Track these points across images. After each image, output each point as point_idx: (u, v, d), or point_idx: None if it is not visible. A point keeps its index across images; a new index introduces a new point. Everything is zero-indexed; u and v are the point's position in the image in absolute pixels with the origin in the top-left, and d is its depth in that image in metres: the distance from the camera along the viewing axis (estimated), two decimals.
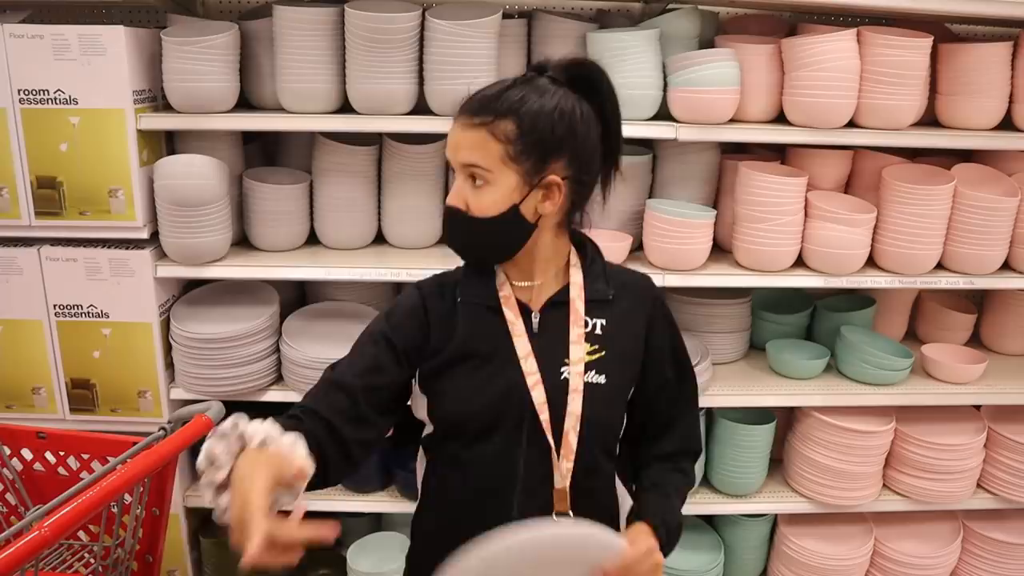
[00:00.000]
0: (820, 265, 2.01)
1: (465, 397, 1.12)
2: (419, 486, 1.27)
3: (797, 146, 2.13)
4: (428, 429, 1.22)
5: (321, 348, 1.98)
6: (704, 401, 2.06)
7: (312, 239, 2.15)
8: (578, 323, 1.12)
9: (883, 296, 2.38)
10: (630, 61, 1.89)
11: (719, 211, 2.08)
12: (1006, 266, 2.09)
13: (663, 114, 1.96)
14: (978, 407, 2.27)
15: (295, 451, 0.93)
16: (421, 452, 1.26)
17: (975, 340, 2.44)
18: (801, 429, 2.18)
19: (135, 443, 1.52)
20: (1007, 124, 2.05)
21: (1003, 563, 2.24)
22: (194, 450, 2.21)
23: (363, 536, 2.23)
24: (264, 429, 0.93)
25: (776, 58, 1.95)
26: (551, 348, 1.11)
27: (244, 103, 2.01)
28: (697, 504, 2.18)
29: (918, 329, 2.47)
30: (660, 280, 1.98)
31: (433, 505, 1.24)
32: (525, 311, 1.14)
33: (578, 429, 1.09)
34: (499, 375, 1.11)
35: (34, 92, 1.79)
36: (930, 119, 2.10)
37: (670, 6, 2.07)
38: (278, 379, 2.07)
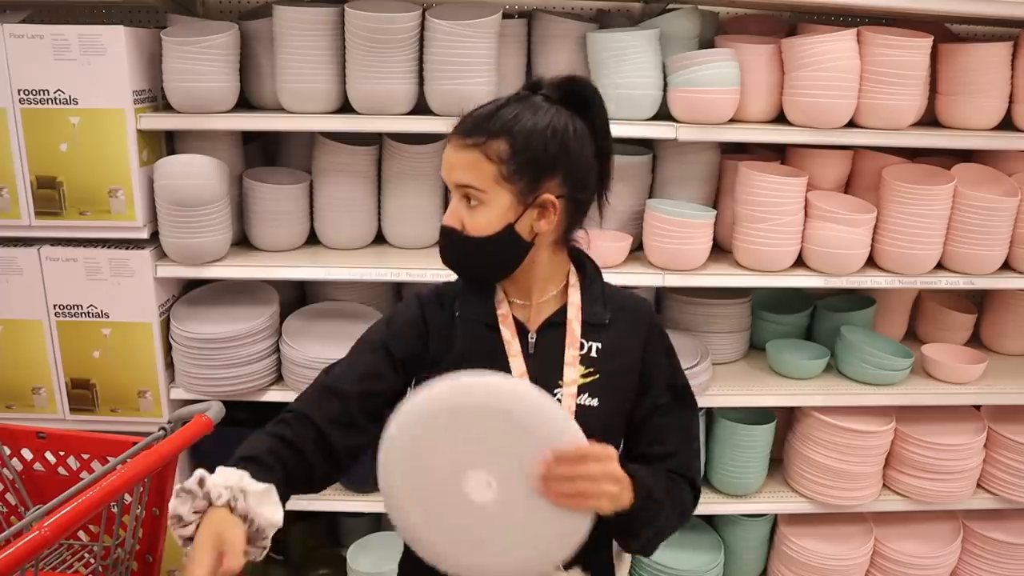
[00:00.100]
0: (820, 265, 2.01)
1: None
2: None
3: (797, 146, 2.13)
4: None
5: (321, 348, 1.98)
6: (704, 401, 2.06)
7: (312, 239, 2.15)
8: (573, 345, 1.11)
9: (883, 296, 2.38)
10: (630, 61, 1.89)
11: (719, 211, 2.08)
12: (1006, 266, 2.09)
13: (663, 114, 1.96)
14: (978, 407, 2.27)
15: (262, 505, 0.95)
16: None
17: (975, 340, 2.44)
18: (801, 429, 2.18)
19: (135, 443, 1.51)
20: (1007, 124, 2.05)
21: (1003, 563, 2.24)
22: (194, 450, 2.22)
23: (363, 536, 2.23)
24: (230, 485, 0.95)
25: (776, 58, 1.95)
26: (545, 369, 1.10)
27: (244, 103, 2.01)
28: (697, 504, 2.18)
29: (918, 329, 2.47)
30: (660, 280, 1.98)
31: None
32: (522, 330, 1.13)
33: None
34: None
35: (34, 92, 1.79)
36: (930, 119, 2.10)
37: (670, 6, 2.07)
38: (278, 379, 2.07)
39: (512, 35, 1.99)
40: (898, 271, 2.03)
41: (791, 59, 1.91)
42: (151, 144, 1.93)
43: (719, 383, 2.12)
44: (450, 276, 1.20)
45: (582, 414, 1.09)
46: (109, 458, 1.49)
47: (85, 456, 1.60)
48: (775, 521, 2.32)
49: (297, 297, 2.32)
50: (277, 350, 2.05)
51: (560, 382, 1.10)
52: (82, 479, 1.55)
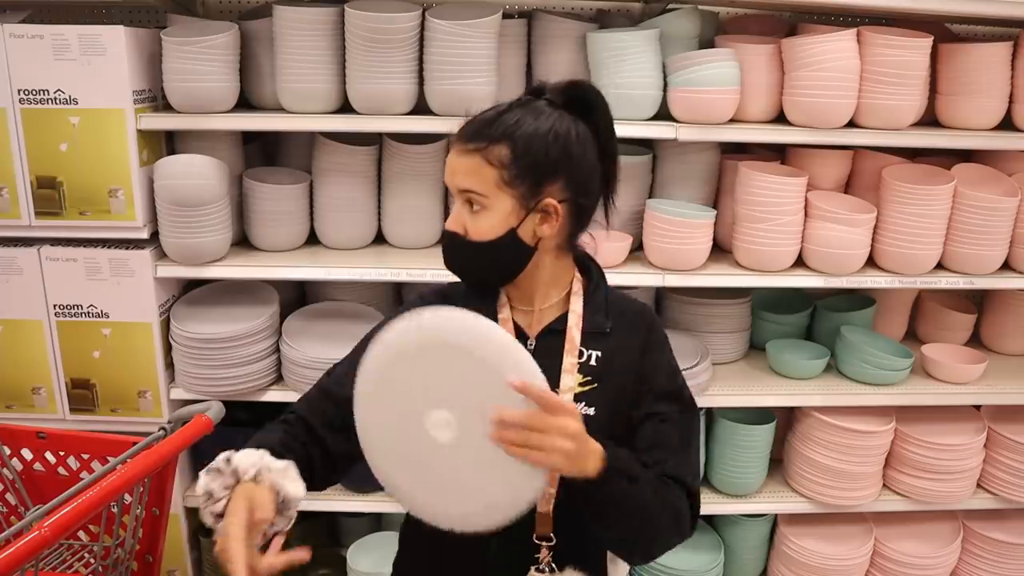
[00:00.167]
0: (820, 265, 2.01)
1: None
2: None
3: (797, 146, 2.13)
4: None
5: (321, 348, 1.98)
6: (704, 401, 2.06)
7: (312, 239, 2.15)
8: (572, 352, 1.10)
9: (883, 296, 2.38)
10: (630, 61, 1.89)
11: (719, 211, 2.08)
12: (1006, 266, 2.09)
13: (663, 114, 1.96)
14: (978, 407, 2.27)
15: (285, 479, 0.98)
16: None
17: (975, 340, 2.44)
18: (801, 429, 2.18)
19: (135, 443, 1.51)
20: (1007, 124, 2.05)
21: (1003, 563, 2.24)
22: (194, 450, 2.21)
23: (363, 536, 2.23)
24: (255, 462, 0.98)
25: (776, 58, 1.95)
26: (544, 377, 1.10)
27: (244, 103, 2.01)
28: None
29: (918, 329, 2.47)
30: (660, 280, 1.98)
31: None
32: (521, 336, 1.13)
33: None
34: None
35: (34, 92, 1.79)
36: (930, 119, 2.10)
37: (670, 6, 2.07)
38: (278, 379, 2.07)
39: (512, 35, 1.99)
40: (898, 271, 2.03)
41: (791, 59, 1.91)
42: (151, 144, 1.93)
43: (719, 383, 2.12)
44: (452, 276, 1.19)
45: None
46: (109, 458, 1.50)
47: (85, 456, 1.60)
48: (775, 521, 2.32)
49: (297, 297, 2.32)
50: (277, 350, 2.05)
51: (557, 390, 1.09)
52: (82, 479, 1.55)
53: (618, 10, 2.23)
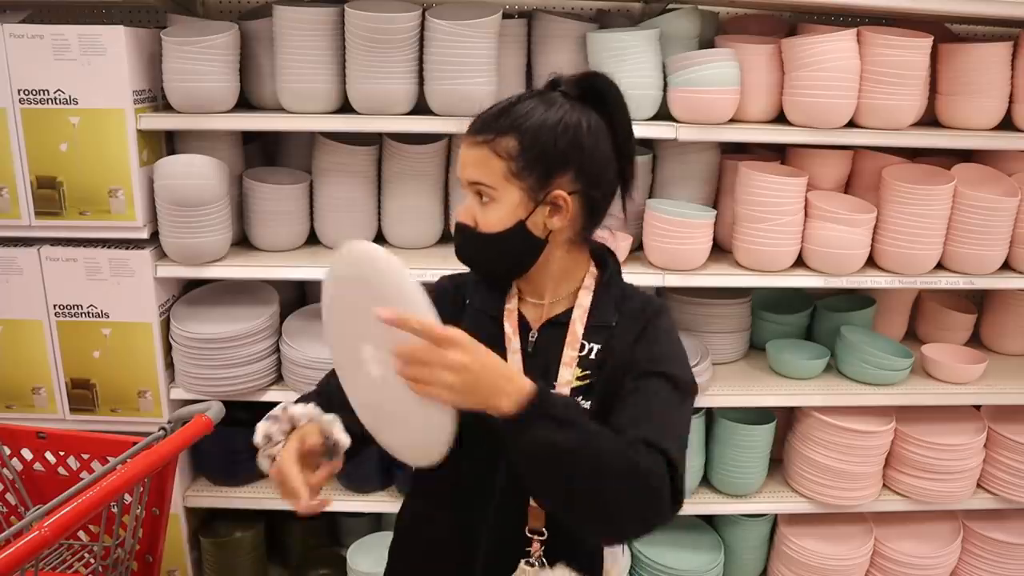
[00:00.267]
0: (820, 265, 2.01)
1: None
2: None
3: (797, 146, 2.13)
4: None
5: (321, 348, 1.98)
6: (704, 401, 2.06)
7: (312, 239, 2.15)
8: (572, 345, 1.09)
9: (883, 296, 2.38)
10: (630, 61, 1.89)
11: (719, 211, 2.08)
12: (1006, 266, 2.09)
13: (663, 114, 1.96)
14: (978, 407, 2.27)
15: (333, 427, 1.05)
16: None
17: (975, 340, 2.44)
18: (801, 429, 2.18)
19: (135, 443, 1.52)
20: (1007, 124, 2.05)
21: (1003, 563, 2.24)
22: (194, 450, 2.21)
23: (363, 536, 2.23)
24: (308, 412, 1.06)
25: (776, 58, 1.95)
26: (542, 368, 1.09)
27: (244, 103, 2.01)
28: (697, 504, 2.18)
29: (918, 329, 2.47)
30: (660, 280, 1.98)
31: (418, 495, 1.26)
32: (526, 327, 1.13)
33: None
34: None
35: (34, 92, 1.79)
36: (930, 119, 2.10)
37: (670, 6, 2.07)
38: (278, 379, 2.07)
39: (512, 35, 1.99)
40: (898, 271, 2.03)
41: (791, 59, 1.91)
42: (151, 144, 1.93)
43: (719, 383, 2.12)
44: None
45: None
46: (109, 458, 1.50)
47: (85, 456, 1.61)
48: (775, 521, 2.32)
49: (297, 297, 2.32)
50: (277, 350, 2.05)
51: (555, 383, 1.09)
52: (82, 479, 1.55)
53: (618, 10, 2.23)
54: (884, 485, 2.22)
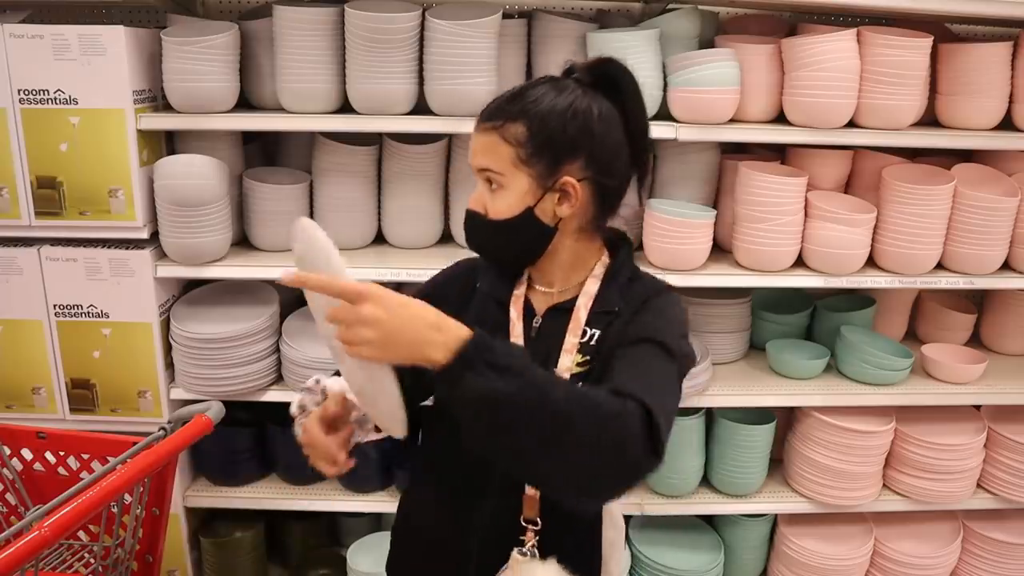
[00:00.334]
0: (820, 265, 2.01)
1: None
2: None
3: (797, 146, 2.13)
4: (429, 401, 1.21)
5: (321, 348, 1.98)
6: (704, 401, 2.06)
7: None
8: (575, 332, 1.08)
9: (883, 296, 2.38)
10: (630, 61, 1.81)
11: (719, 211, 2.08)
12: (1006, 266, 2.09)
13: (663, 114, 1.96)
14: (978, 407, 2.27)
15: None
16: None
17: (975, 340, 2.44)
18: (801, 429, 2.18)
19: (135, 443, 1.52)
20: (1007, 124, 2.05)
21: (1003, 563, 2.24)
22: (194, 450, 2.21)
23: (363, 536, 2.23)
24: (341, 383, 1.09)
25: (776, 58, 1.95)
26: (543, 354, 1.09)
27: (244, 103, 2.01)
28: (697, 504, 2.19)
29: (918, 329, 2.47)
30: None
31: (419, 482, 1.27)
32: (531, 314, 1.12)
33: None
34: None
35: (34, 92, 1.79)
36: (930, 119, 2.10)
37: (670, 6, 2.07)
38: (278, 379, 2.07)
39: (512, 35, 1.99)
40: (898, 271, 2.03)
41: (791, 59, 1.91)
42: (151, 144, 1.93)
43: (719, 383, 2.12)
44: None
45: None
46: (109, 458, 1.50)
47: (85, 456, 1.61)
48: (775, 521, 2.32)
49: (297, 297, 2.31)
50: (277, 350, 2.05)
51: (554, 369, 1.08)
52: (82, 479, 1.55)
53: (618, 10, 2.23)
54: (884, 485, 2.22)
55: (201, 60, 1.83)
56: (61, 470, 1.63)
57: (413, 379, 1.01)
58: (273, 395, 2.04)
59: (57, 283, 1.92)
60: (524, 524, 1.08)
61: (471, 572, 1.12)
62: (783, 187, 1.95)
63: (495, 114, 1.04)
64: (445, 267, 1.26)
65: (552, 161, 1.02)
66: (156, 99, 1.95)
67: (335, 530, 2.43)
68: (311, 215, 2.11)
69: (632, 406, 0.86)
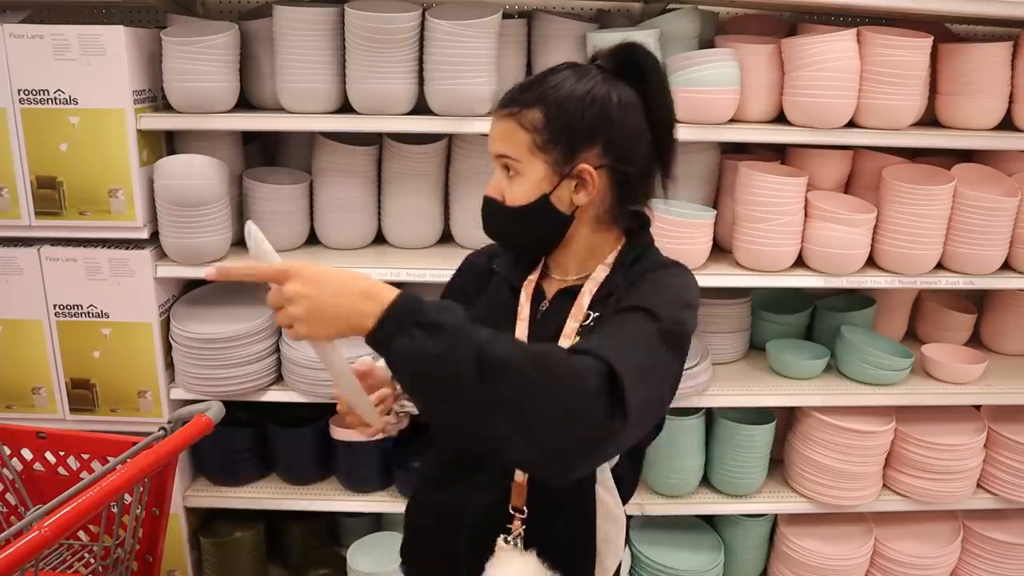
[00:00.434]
0: (820, 265, 2.01)
1: None
2: None
3: (797, 146, 2.13)
4: None
5: None
6: (704, 401, 2.06)
7: (312, 239, 2.15)
8: (576, 317, 1.06)
9: (883, 296, 2.38)
10: None
11: (719, 211, 2.08)
12: (1006, 266, 2.09)
13: None
14: (978, 407, 2.27)
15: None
16: None
17: (975, 340, 2.44)
18: (801, 429, 2.18)
19: (135, 443, 1.52)
20: (1007, 124, 2.05)
21: (1003, 563, 2.24)
22: (194, 450, 2.21)
23: (363, 536, 2.23)
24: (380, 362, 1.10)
25: (776, 58, 1.95)
26: (545, 338, 1.08)
27: (244, 103, 2.01)
28: (697, 504, 2.19)
29: (918, 329, 2.47)
30: None
31: (423, 469, 1.32)
32: (540, 295, 1.12)
33: None
34: None
35: (34, 92, 1.79)
36: (930, 119, 2.10)
37: (670, 6, 2.07)
38: (278, 379, 2.07)
39: (512, 35, 1.99)
40: (898, 271, 2.03)
41: (791, 59, 1.91)
42: (151, 144, 1.93)
43: (719, 383, 2.12)
44: (446, 277, 1.21)
45: None
46: (109, 458, 1.50)
47: (85, 456, 1.61)
48: (775, 521, 2.32)
49: None
50: (277, 350, 2.05)
51: None
52: (82, 479, 1.55)
53: (618, 10, 2.23)
54: (884, 485, 2.22)
55: (201, 60, 1.83)
56: (61, 470, 1.63)
57: None
58: (273, 395, 2.04)
59: (57, 283, 1.92)
60: (512, 512, 1.07)
61: (462, 557, 1.12)
62: (783, 187, 1.95)
63: (513, 100, 1.04)
64: (459, 266, 1.28)
65: (569, 148, 1.01)
66: (156, 99, 1.95)
67: (335, 530, 2.43)
68: (311, 215, 2.11)
69: (589, 361, 0.81)
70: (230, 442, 2.09)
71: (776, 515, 2.30)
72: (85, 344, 1.96)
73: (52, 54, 1.76)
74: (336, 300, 0.83)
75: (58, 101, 1.79)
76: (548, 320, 1.10)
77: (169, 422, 1.55)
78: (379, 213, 2.14)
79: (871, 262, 2.06)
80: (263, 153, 2.27)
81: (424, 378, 0.81)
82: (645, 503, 2.15)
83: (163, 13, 2.08)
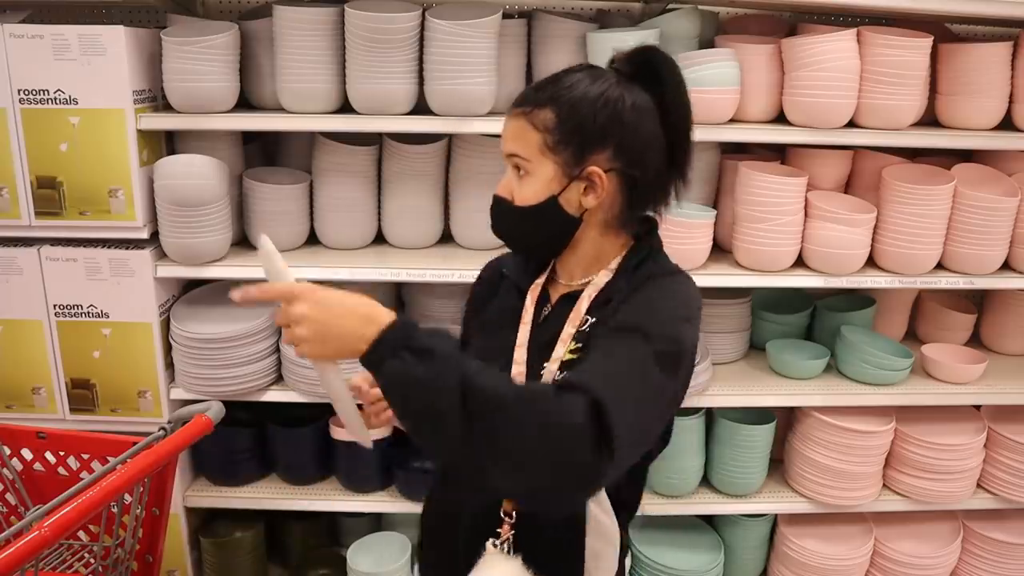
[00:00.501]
0: (820, 265, 2.01)
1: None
2: None
3: (797, 146, 2.13)
4: None
5: None
6: (704, 401, 2.06)
7: (312, 239, 2.15)
8: (574, 322, 1.05)
9: (883, 296, 2.38)
10: None
11: (719, 211, 2.08)
12: (1006, 266, 2.09)
13: None
14: (978, 407, 2.27)
15: None
16: None
17: (975, 340, 2.44)
18: (801, 429, 2.18)
19: (135, 443, 1.52)
20: (1007, 124, 2.05)
21: (1003, 563, 2.24)
22: (194, 450, 2.21)
23: (363, 536, 2.23)
24: None
25: (776, 58, 1.95)
26: (544, 342, 1.08)
27: (244, 103, 2.01)
28: (697, 504, 2.19)
29: (918, 329, 2.47)
30: None
31: (435, 472, 1.32)
32: (545, 299, 1.13)
33: None
34: (497, 356, 1.10)
35: (34, 92, 1.79)
36: (930, 119, 2.10)
37: (670, 6, 2.07)
38: (278, 379, 2.07)
39: (512, 35, 1.99)
40: (898, 271, 2.03)
41: (791, 59, 1.91)
42: (151, 144, 1.93)
43: (719, 383, 2.12)
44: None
45: None
46: (109, 458, 1.50)
47: (85, 456, 1.61)
48: (775, 521, 2.32)
49: None
50: (277, 350, 2.05)
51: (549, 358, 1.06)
52: (82, 479, 1.55)
53: (618, 10, 2.23)
54: (884, 485, 2.22)
55: (201, 60, 1.83)
56: (61, 470, 1.63)
57: None
58: (273, 395, 2.04)
59: (57, 283, 1.92)
60: (503, 516, 1.07)
61: (460, 557, 1.12)
62: (783, 187, 1.95)
63: (526, 99, 1.03)
64: (479, 273, 1.30)
65: (579, 149, 1.01)
66: (156, 99, 1.95)
67: (335, 530, 2.43)
68: (311, 215, 2.11)
69: (574, 398, 0.81)
70: (230, 442, 2.09)
71: (776, 515, 2.30)
72: (85, 344, 1.96)
73: (52, 54, 1.76)
74: (339, 323, 0.87)
75: (58, 101, 1.79)
76: (549, 324, 1.10)
77: (169, 422, 1.55)
78: (379, 213, 2.14)
79: (871, 262, 2.06)
80: (263, 153, 2.27)
81: (411, 402, 0.84)
82: (645, 503, 2.15)
83: (163, 13, 2.08)
